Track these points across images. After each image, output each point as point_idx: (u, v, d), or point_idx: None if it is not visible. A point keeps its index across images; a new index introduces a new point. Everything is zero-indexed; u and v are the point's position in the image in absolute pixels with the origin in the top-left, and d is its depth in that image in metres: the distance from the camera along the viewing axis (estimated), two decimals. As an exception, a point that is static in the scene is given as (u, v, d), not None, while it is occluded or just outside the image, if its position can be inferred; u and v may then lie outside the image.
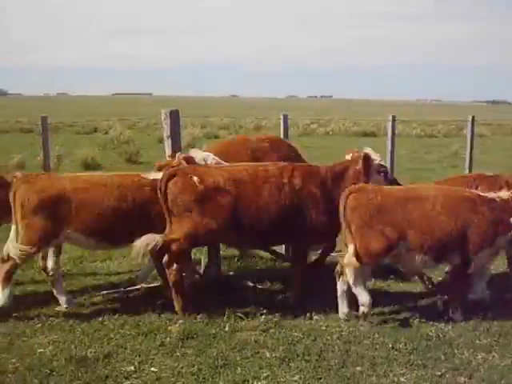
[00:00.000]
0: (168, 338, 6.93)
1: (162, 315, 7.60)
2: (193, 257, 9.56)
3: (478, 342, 6.99)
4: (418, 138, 41.27)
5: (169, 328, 7.21)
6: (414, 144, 34.54)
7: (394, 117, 10.89)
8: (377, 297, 8.24)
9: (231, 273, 9.44)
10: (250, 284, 8.83)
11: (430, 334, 7.16)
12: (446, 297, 8.04)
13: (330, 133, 44.24)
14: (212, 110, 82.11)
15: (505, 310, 7.83)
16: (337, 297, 7.62)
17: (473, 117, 12.02)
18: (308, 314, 7.67)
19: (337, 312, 7.65)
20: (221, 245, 9.27)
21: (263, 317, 7.58)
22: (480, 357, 6.62)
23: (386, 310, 7.96)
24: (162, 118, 9.25)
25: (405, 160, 24.08)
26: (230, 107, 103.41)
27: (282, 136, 10.31)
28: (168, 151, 9.24)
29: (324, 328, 7.31)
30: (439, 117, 57.89)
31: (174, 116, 9.19)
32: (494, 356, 6.65)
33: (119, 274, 9.37)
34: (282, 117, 10.22)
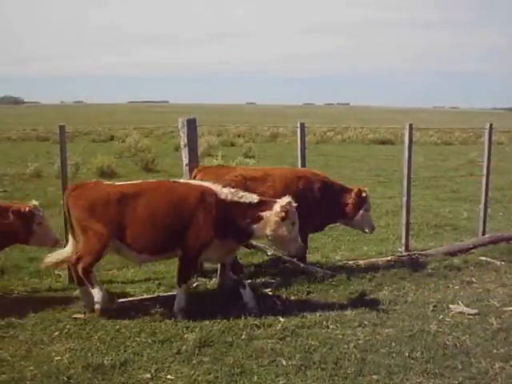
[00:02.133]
0: (184, 346, 6.92)
1: (179, 323, 7.61)
2: (206, 265, 9.61)
3: (495, 351, 6.93)
4: (435, 146, 41.14)
5: (185, 336, 7.21)
6: (431, 152, 34.43)
7: (411, 125, 10.83)
8: (394, 305, 8.26)
9: (248, 281, 9.41)
10: (268, 292, 8.82)
11: (447, 342, 7.12)
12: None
13: (347, 140, 44.23)
14: (228, 117, 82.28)
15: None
16: (354, 305, 7.63)
17: (490, 124, 11.96)
18: (324, 323, 7.66)
19: (353, 321, 7.64)
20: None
21: (280, 325, 7.58)
22: (497, 366, 6.56)
23: (403, 318, 7.91)
24: (179, 126, 9.29)
25: (422, 168, 24.03)
26: (246, 115, 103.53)
27: (298, 144, 10.29)
28: (185, 160, 9.27)
29: (340, 336, 7.28)
30: (456, 124, 57.71)
31: (191, 124, 9.23)
32: (511, 365, 6.59)
33: (135, 282, 9.39)
34: (298, 125, 10.20)
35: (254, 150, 30.67)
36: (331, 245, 11.81)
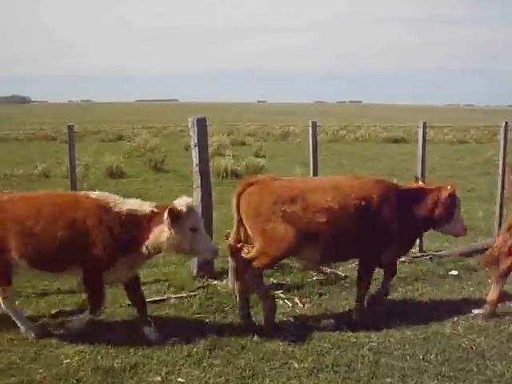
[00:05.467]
0: (195, 349, 6.84)
1: (189, 325, 7.54)
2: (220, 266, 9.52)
3: (511, 353, 6.82)
4: (450, 144, 40.93)
5: (196, 338, 7.12)
6: (446, 150, 34.27)
7: (424, 123, 10.73)
8: (408, 306, 8.16)
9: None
10: (280, 294, 8.73)
11: (463, 345, 7.02)
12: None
13: (360, 139, 44.04)
14: (239, 116, 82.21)
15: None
16: (368, 309, 7.55)
17: (506, 122, 11.82)
18: (337, 325, 7.58)
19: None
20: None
21: (292, 327, 7.51)
22: (513, 369, 6.45)
23: (418, 320, 7.81)
24: (189, 125, 9.21)
25: (437, 166, 23.84)
26: (257, 113, 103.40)
27: (310, 143, 10.17)
28: (195, 160, 9.18)
29: (353, 339, 7.19)
30: (472, 122, 57.31)
31: (201, 124, 9.14)
32: (527, 368, 6.48)
33: (145, 284, 9.28)
34: (310, 123, 10.09)
35: (264, 149, 30.54)
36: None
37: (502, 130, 11.81)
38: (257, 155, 26.94)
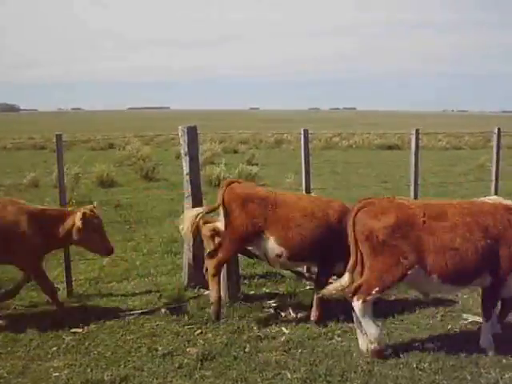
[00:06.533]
0: (186, 360, 6.76)
1: (180, 336, 7.46)
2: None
3: (504, 361, 6.75)
4: (445, 151, 40.99)
5: (187, 349, 7.06)
6: (440, 157, 34.34)
7: (417, 130, 10.71)
8: (401, 315, 8.10)
9: (252, 292, 9.24)
10: (272, 303, 8.66)
11: (457, 353, 6.93)
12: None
13: (353, 146, 44.01)
14: (231, 123, 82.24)
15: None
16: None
17: (498, 128, 11.80)
18: (330, 334, 7.52)
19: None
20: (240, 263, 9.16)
21: (284, 337, 7.44)
22: (507, 376, 6.39)
23: (411, 328, 7.75)
24: (180, 134, 9.13)
25: (430, 173, 23.94)
26: (249, 120, 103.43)
27: (302, 150, 10.05)
28: (185, 169, 9.11)
29: (346, 348, 7.11)
30: (466, 128, 57.56)
31: (192, 132, 9.06)
32: (522, 375, 6.42)
33: (136, 295, 9.21)
34: (302, 131, 10.01)
35: (257, 156, 30.44)
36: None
37: (494, 137, 11.78)
38: (249, 163, 26.81)
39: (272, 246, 7.78)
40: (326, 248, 7.76)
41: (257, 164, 27.07)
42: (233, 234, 7.86)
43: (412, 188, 10.88)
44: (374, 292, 6.74)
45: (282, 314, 8.26)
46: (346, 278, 6.97)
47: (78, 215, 8.02)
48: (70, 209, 8.80)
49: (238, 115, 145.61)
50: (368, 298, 6.75)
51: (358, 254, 6.92)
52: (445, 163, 30.72)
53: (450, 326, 7.81)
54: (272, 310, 8.39)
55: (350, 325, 7.66)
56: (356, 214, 6.93)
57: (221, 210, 8.00)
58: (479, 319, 7.88)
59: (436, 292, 7.66)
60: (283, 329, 7.72)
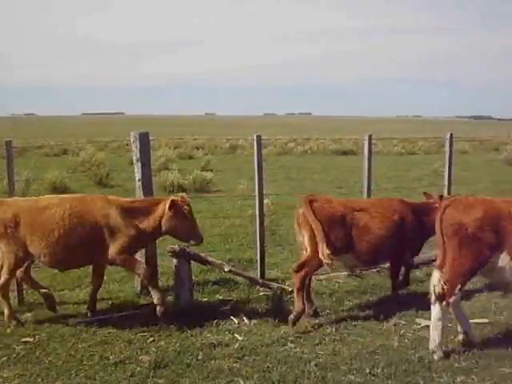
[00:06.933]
0: (139, 368, 6.68)
1: (133, 344, 7.38)
2: (165, 283, 9.41)
3: (457, 364, 6.81)
4: (399, 156, 41.39)
5: (140, 357, 6.98)
6: (395, 162, 34.68)
7: (370, 136, 10.79)
8: (354, 320, 8.12)
9: (205, 299, 9.18)
10: (225, 309, 8.60)
11: (409, 357, 6.98)
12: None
13: (308, 152, 44.16)
14: (186, 129, 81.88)
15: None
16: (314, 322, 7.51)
17: (451, 134, 11.94)
18: (283, 341, 7.50)
19: (313, 338, 7.52)
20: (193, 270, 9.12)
21: (237, 344, 7.40)
22: (459, 380, 6.45)
23: (364, 333, 7.78)
24: (131, 140, 9.06)
25: (385, 179, 24.24)
26: (205, 126, 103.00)
27: (255, 157, 10.06)
28: (138, 175, 9.03)
29: (300, 354, 7.10)
30: (420, 133, 58.33)
31: (144, 138, 8.99)
32: (473, 379, 6.48)
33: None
34: (255, 137, 9.97)
35: (212, 162, 30.32)
36: (291, 260, 11.50)
37: (447, 142, 11.92)
38: (204, 169, 26.72)
39: None
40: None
41: (211, 170, 26.99)
42: None
43: (365, 193, 10.93)
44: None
45: (236, 320, 8.22)
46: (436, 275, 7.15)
47: (168, 203, 8.04)
48: (158, 198, 8.76)
49: (193, 121, 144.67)
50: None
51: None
52: (399, 168, 31.08)
53: (403, 331, 7.84)
54: (225, 317, 8.33)
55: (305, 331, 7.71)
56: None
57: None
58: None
59: None
60: (236, 336, 7.67)
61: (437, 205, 8.49)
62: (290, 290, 9.19)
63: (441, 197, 9.00)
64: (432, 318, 7.09)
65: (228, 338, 7.61)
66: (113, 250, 7.91)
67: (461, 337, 7.40)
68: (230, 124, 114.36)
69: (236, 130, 75.62)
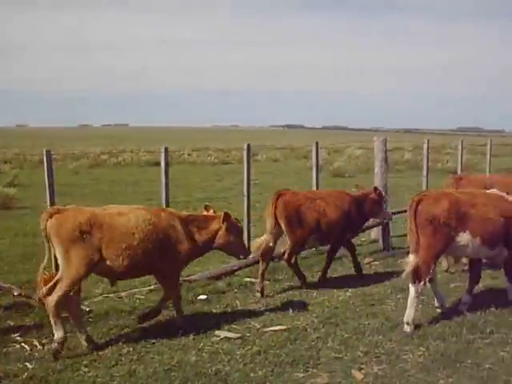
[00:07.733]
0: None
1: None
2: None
3: (252, 374, 6.86)
4: (213, 166, 41.78)
5: None
6: (208, 172, 34.96)
7: (166, 148, 10.92)
8: (153, 337, 7.90)
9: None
10: (18, 337, 8.02)
11: (207, 371, 6.90)
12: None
13: (122, 163, 43.31)
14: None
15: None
16: (111, 342, 7.24)
17: (248, 144, 12.26)
18: (76, 365, 7.13)
19: (109, 359, 7.26)
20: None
21: (27, 373, 6.89)
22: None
23: (162, 350, 7.59)
24: None
25: (198, 189, 24.30)
26: (15, 138, 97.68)
27: (45, 170, 9.56)
28: None
29: (94, 378, 6.79)
30: (235, 143, 59.20)
31: None
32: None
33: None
34: (44, 152, 9.49)
35: (20, 177, 28.73)
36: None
37: (244, 152, 12.17)
38: (10, 184, 25.17)
39: None
40: None
41: (17, 185, 25.62)
42: None
43: (164, 205, 10.81)
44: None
45: (28, 347, 7.69)
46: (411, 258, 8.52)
47: (222, 218, 8.23)
48: (208, 213, 8.69)
49: (2, 132, 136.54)
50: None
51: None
52: (212, 178, 31.37)
53: (201, 345, 7.74)
54: (17, 345, 7.78)
55: (102, 352, 7.39)
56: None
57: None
58: (232, 335, 7.97)
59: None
60: (27, 364, 7.15)
61: (371, 195, 11.29)
62: (87, 309, 8.79)
63: (375, 188, 11.64)
64: (410, 296, 8.36)
65: (18, 367, 7.05)
66: (170, 262, 8.00)
67: (438, 309, 8.99)
68: (44, 135, 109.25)
69: (49, 142, 72.53)
